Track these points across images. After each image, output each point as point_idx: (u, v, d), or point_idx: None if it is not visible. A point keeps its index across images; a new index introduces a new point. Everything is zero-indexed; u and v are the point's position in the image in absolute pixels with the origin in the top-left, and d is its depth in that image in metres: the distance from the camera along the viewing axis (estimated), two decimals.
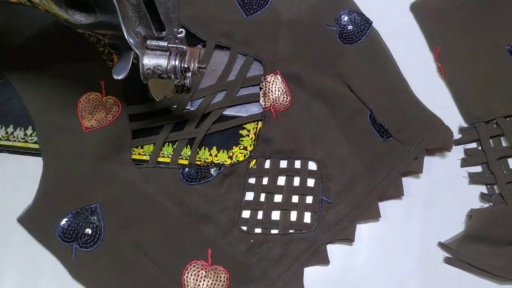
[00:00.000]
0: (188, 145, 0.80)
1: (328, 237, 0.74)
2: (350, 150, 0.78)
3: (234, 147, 0.80)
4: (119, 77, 0.62)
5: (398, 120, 0.79)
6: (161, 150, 0.80)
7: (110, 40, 0.67)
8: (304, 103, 0.81)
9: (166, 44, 0.67)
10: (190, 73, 0.70)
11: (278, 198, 0.77)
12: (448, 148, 0.79)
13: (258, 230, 0.75)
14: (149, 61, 0.67)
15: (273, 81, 0.82)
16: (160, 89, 0.78)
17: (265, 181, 0.78)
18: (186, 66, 0.68)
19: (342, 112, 0.80)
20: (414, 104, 0.80)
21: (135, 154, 0.80)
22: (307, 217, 0.76)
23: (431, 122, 0.78)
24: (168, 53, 0.67)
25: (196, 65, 0.69)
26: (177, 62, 0.67)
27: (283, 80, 0.82)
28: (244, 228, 0.75)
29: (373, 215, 0.75)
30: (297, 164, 0.78)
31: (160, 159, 0.79)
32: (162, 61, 0.67)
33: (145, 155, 0.80)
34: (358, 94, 0.80)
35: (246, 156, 0.79)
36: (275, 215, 0.76)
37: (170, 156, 0.79)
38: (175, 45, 0.67)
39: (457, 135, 0.80)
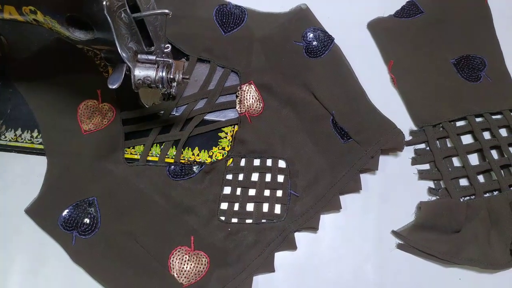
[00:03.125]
0: (174, 146, 0.83)
1: (295, 226, 0.77)
2: (315, 150, 0.81)
3: (213, 147, 0.83)
4: (114, 87, 0.65)
5: (357, 124, 0.82)
6: (150, 150, 0.82)
7: (105, 54, 0.71)
8: (275, 109, 0.84)
9: (154, 57, 0.69)
10: (175, 83, 0.71)
11: (252, 192, 0.80)
12: (400, 149, 0.82)
13: (234, 220, 0.78)
14: (139, 72, 0.69)
15: (248, 90, 0.85)
16: (149, 97, 0.80)
17: (240, 177, 0.81)
18: (172, 77, 0.70)
19: (308, 117, 0.83)
20: (371, 110, 0.83)
21: (127, 153, 0.82)
22: (278, 209, 0.79)
23: (386, 125, 0.81)
24: (156, 66, 0.69)
25: (181, 76, 0.71)
26: (164, 74, 0.69)
27: (257, 89, 0.85)
28: (223, 218, 0.78)
29: (335, 206, 0.78)
30: (269, 162, 0.82)
31: (149, 158, 0.82)
32: (151, 73, 0.69)
33: (136, 154, 0.82)
34: (322, 101, 0.83)
35: (224, 155, 0.82)
36: (250, 206, 0.79)
37: (158, 155, 0.82)
38: (162, 59, 0.69)
39: (408, 137, 0.84)
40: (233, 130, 0.84)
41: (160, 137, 0.83)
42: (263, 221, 0.78)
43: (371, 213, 0.79)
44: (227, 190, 0.80)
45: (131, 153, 0.83)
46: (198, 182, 0.80)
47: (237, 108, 0.85)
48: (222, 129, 0.84)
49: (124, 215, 0.77)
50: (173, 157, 0.82)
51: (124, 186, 0.79)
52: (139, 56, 0.69)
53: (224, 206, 0.79)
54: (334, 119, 0.83)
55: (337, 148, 0.81)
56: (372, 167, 0.80)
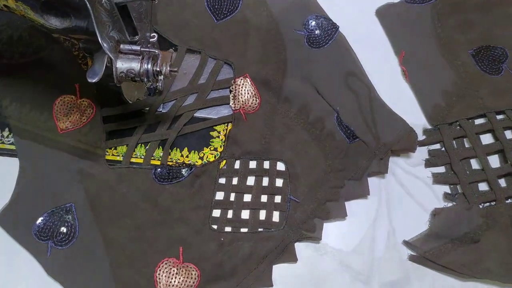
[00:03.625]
0: (160, 146, 0.83)
1: (296, 235, 0.78)
2: (318, 151, 0.82)
3: (205, 148, 0.83)
4: (93, 80, 0.65)
5: (364, 122, 0.82)
6: (134, 151, 0.83)
7: (84, 44, 0.71)
8: (273, 105, 0.85)
9: (138, 48, 0.69)
10: (162, 76, 0.71)
11: (247, 197, 0.81)
12: (413, 149, 0.82)
13: (228, 229, 0.79)
14: (122, 64, 0.69)
15: (243, 84, 0.86)
16: (133, 92, 0.80)
17: (235, 181, 0.81)
18: (158, 69, 0.70)
19: (310, 114, 0.84)
20: (380, 107, 0.83)
21: (109, 155, 0.83)
22: (276, 216, 0.79)
23: (396, 124, 0.82)
24: (140, 57, 0.69)
25: (168, 68, 0.72)
26: (149, 66, 0.69)
27: (252, 83, 0.86)
28: (215, 226, 0.78)
29: (340, 214, 0.79)
30: (266, 164, 0.82)
31: (133, 160, 0.82)
32: (135, 65, 0.69)
33: (118, 156, 0.83)
34: (325, 97, 0.84)
35: (217, 157, 0.83)
36: (245, 214, 0.80)
37: (142, 157, 0.83)
38: (148, 49, 0.69)
39: (421, 137, 0.84)
40: (226, 129, 0.84)
41: (145, 137, 0.83)
42: (259, 230, 0.78)
43: (379, 221, 0.79)
44: (219, 195, 0.81)
45: (112, 154, 0.83)
46: (187, 187, 0.80)
47: (231, 104, 0.85)
48: (214, 127, 0.85)
49: (105, 224, 0.78)
50: (160, 159, 0.82)
51: (105, 191, 0.80)
52: (121, 46, 0.69)
53: (216, 213, 0.80)
54: (339, 116, 0.83)
55: (342, 149, 0.82)
56: (381, 170, 0.81)
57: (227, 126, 0.85)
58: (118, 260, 0.75)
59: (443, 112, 0.84)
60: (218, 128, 0.85)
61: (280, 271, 0.76)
